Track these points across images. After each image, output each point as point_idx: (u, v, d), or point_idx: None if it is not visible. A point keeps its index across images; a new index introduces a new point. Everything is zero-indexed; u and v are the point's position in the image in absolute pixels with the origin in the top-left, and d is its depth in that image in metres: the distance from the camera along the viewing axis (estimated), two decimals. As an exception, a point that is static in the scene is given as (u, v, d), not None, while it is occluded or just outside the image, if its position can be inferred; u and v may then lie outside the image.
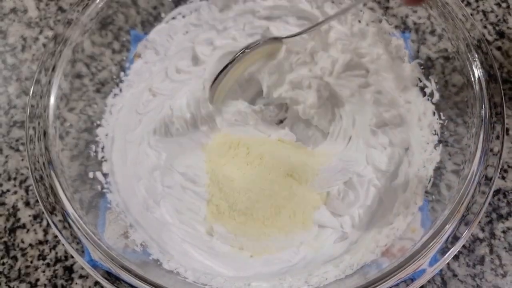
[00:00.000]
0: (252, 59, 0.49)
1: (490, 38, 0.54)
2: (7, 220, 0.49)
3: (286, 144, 0.50)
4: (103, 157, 0.46)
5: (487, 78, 0.40)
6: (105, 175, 0.45)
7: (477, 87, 0.40)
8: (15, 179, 0.50)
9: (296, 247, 0.45)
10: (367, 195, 0.46)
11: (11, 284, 0.46)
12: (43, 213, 0.46)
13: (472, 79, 0.41)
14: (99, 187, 0.44)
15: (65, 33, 0.44)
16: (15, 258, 0.47)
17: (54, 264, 0.47)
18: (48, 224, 0.48)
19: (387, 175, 0.46)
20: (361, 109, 0.49)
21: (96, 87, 0.47)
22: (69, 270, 0.46)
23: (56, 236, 0.48)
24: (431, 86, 0.46)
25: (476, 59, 0.41)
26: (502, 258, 0.45)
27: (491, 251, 0.45)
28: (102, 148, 0.46)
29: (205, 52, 0.52)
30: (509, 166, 0.49)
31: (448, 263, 0.44)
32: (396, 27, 0.49)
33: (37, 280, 0.46)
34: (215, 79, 0.48)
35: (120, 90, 0.49)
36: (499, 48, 0.54)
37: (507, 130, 0.50)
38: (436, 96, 0.45)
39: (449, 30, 0.43)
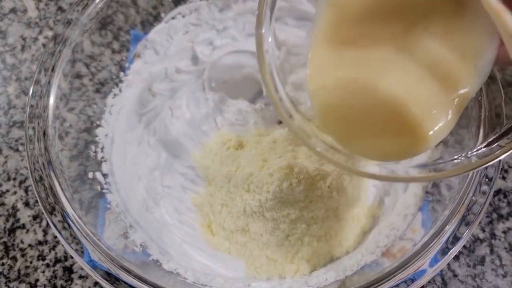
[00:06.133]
0: None
1: (490, 38, 0.54)
2: (7, 220, 0.49)
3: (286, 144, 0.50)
4: (102, 157, 0.46)
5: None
6: (104, 175, 0.45)
7: (477, 87, 0.40)
8: (14, 179, 0.50)
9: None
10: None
11: (11, 285, 0.46)
12: (42, 213, 0.46)
13: (473, 79, 0.40)
14: (98, 188, 0.44)
15: (65, 33, 0.44)
16: (14, 259, 0.47)
17: (54, 265, 0.47)
18: (47, 225, 0.48)
19: (387, 175, 0.46)
20: (361, 109, 0.49)
21: (96, 87, 0.47)
22: (68, 270, 0.46)
23: (55, 237, 0.47)
24: (431, 86, 0.46)
25: (476, 59, 0.41)
26: (503, 258, 0.45)
27: (492, 252, 0.45)
28: (102, 148, 0.46)
29: (205, 52, 0.52)
30: (509, 166, 0.49)
31: (448, 264, 0.44)
32: (396, 27, 0.49)
33: (37, 280, 0.46)
34: None
35: (120, 90, 0.49)
36: (499, 48, 0.54)
37: (507, 130, 0.50)
38: (436, 96, 0.45)
39: (449, 30, 0.43)
